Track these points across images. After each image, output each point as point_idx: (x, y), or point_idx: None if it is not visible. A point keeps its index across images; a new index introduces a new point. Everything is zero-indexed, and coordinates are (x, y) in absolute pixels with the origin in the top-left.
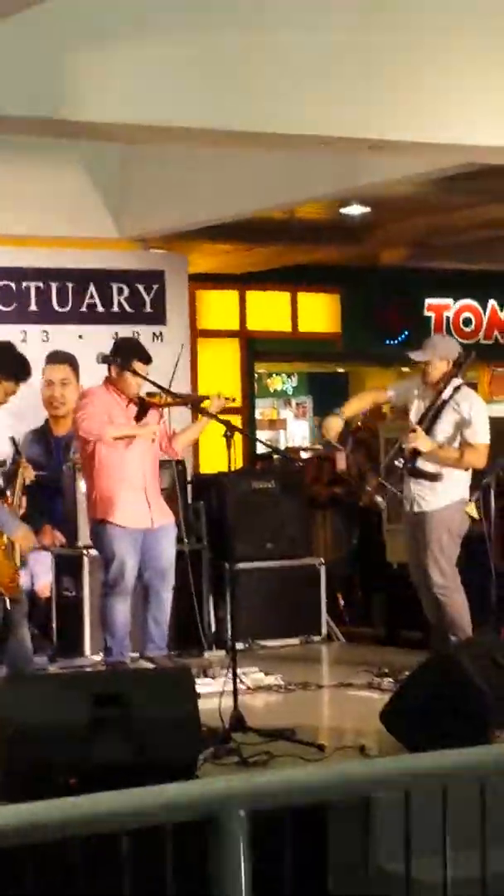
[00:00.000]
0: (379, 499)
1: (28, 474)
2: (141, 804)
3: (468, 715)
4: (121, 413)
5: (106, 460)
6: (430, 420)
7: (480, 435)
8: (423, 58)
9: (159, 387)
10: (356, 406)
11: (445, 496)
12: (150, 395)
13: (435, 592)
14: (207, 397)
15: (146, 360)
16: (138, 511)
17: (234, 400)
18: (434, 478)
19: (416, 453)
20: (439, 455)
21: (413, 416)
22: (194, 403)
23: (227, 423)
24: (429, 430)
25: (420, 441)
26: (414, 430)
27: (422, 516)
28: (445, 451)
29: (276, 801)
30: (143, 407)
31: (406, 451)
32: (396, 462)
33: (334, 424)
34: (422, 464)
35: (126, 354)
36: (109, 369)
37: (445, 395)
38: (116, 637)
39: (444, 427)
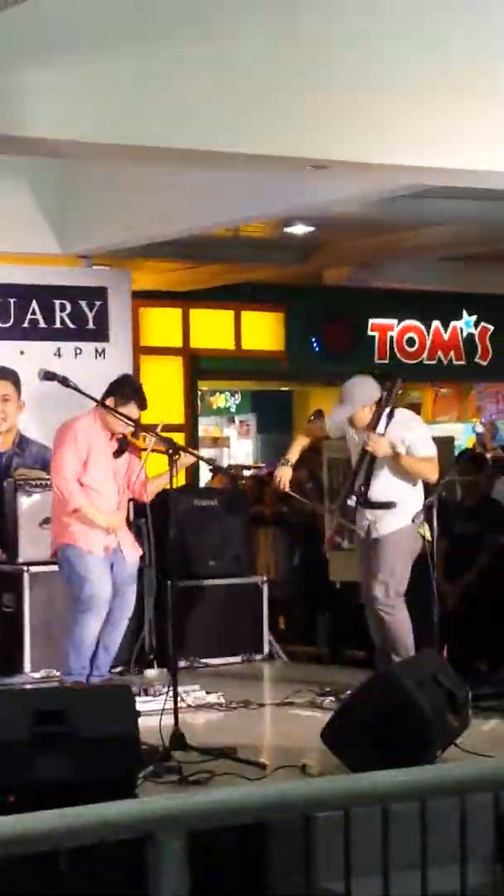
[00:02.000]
0: (341, 540)
1: None
2: (80, 823)
3: (410, 735)
4: (102, 449)
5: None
6: (368, 462)
7: (424, 448)
8: (367, 78)
9: (154, 433)
10: (298, 449)
11: (399, 520)
12: (133, 435)
13: (378, 610)
14: (183, 449)
15: (143, 406)
16: (107, 544)
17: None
18: (388, 506)
19: (367, 487)
20: (399, 461)
21: (352, 454)
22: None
23: (170, 442)
24: (370, 470)
25: (379, 445)
26: (371, 437)
27: (376, 541)
28: (404, 459)
29: (217, 820)
30: (122, 447)
31: (357, 487)
32: (349, 501)
33: (286, 474)
34: (374, 494)
35: (127, 394)
36: (104, 399)
37: (380, 430)
38: (81, 656)
39: (386, 461)
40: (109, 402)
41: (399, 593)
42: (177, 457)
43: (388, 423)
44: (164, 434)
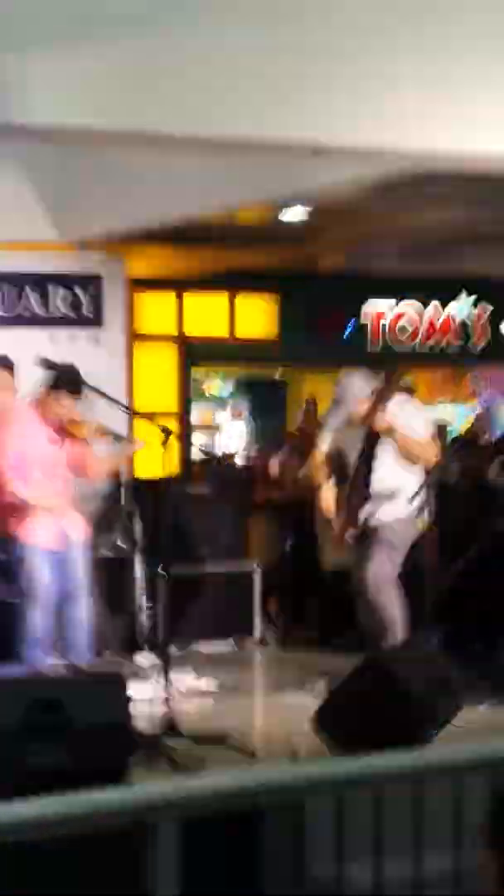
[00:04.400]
0: (348, 537)
1: None
2: (74, 810)
3: (401, 719)
4: (40, 440)
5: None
6: (368, 451)
7: (421, 429)
8: (365, 62)
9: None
10: (322, 467)
11: (398, 509)
12: (72, 422)
13: (369, 595)
14: (129, 440)
15: (76, 392)
16: (49, 533)
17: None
18: (392, 496)
19: (368, 479)
20: (400, 441)
21: (352, 458)
22: (117, 439)
23: (163, 429)
24: (370, 461)
25: (384, 420)
26: (377, 415)
27: (374, 529)
28: (405, 438)
29: (211, 806)
30: (60, 435)
31: (359, 481)
32: (353, 496)
33: (330, 496)
34: (376, 485)
35: (59, 381)
36: (39, 388)
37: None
38: (36, 647)
39: (386, 449)
40: (42, 391)
41: (391, 579)
42: (167, 441)
43: (383, 409)
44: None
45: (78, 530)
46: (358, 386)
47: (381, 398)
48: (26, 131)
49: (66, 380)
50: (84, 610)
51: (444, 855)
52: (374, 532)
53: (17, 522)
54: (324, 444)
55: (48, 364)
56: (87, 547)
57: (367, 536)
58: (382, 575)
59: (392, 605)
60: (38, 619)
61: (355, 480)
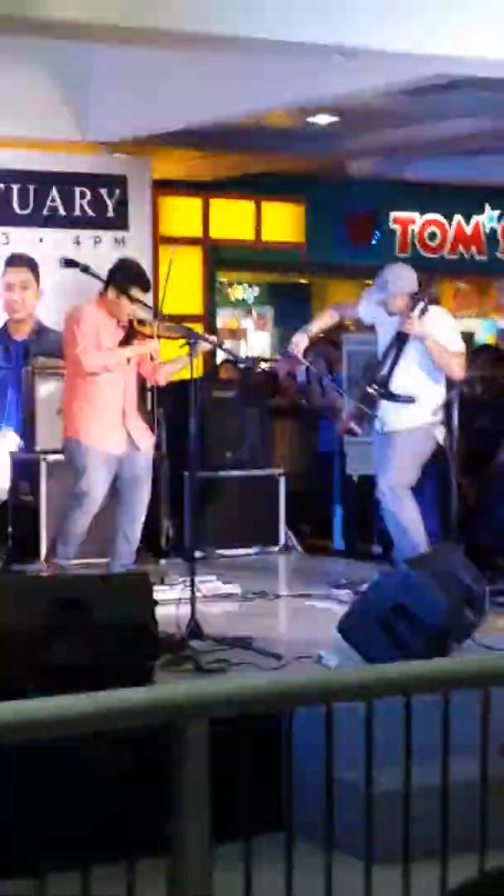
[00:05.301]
0: (357, 427)
1: None
2: (104, 707)
3: (426, 627)
4: (109, 335)
5: (86, 381)
6: (395, 351)
7: (454, 343)
8: None
9: (155, 310)
10: (322, 323)
11: (416, 418)
12: (140, 322)
13: (385, 503)
14: (198, 336)
15: (146, 287)
16: (114, 436)
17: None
18: (408, 400)
19: (388, 378)
20: (431, 349)
21: (381, 344)
22: (185, 338)
23: (189, 331)
24: (395, 361)
25: (417, 325)
26: (411, 316)
27: (390, 435)
28: (436, 348)
29: (239, 708)
30: (128, 335)
31: (379, 376)
32: (370, 389)
33: (302, 340)
34: (396, 385)
35: (125, 277)
36: (106, 288)
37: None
38: (69, 545)
39: (412, 354)
40: (111, 290)
41: (404, 487)
42: (197, 346)
43: (420, 318)
44: (185, 325)
45: (143, 436)
46: (406, 278)
47: (416, 301)
48: (45, 26)
49: (136, 275)
50: (139, 523)
51: (471, 763)
52: (389, 438)
53: (79, 424)
54: (361, 308)
55: (71, 264)
56: (151, 455)
57: (383, 442)
58: (396, 482)
59: (409, 512)
60: (78, 522)
61: (376, 373)
